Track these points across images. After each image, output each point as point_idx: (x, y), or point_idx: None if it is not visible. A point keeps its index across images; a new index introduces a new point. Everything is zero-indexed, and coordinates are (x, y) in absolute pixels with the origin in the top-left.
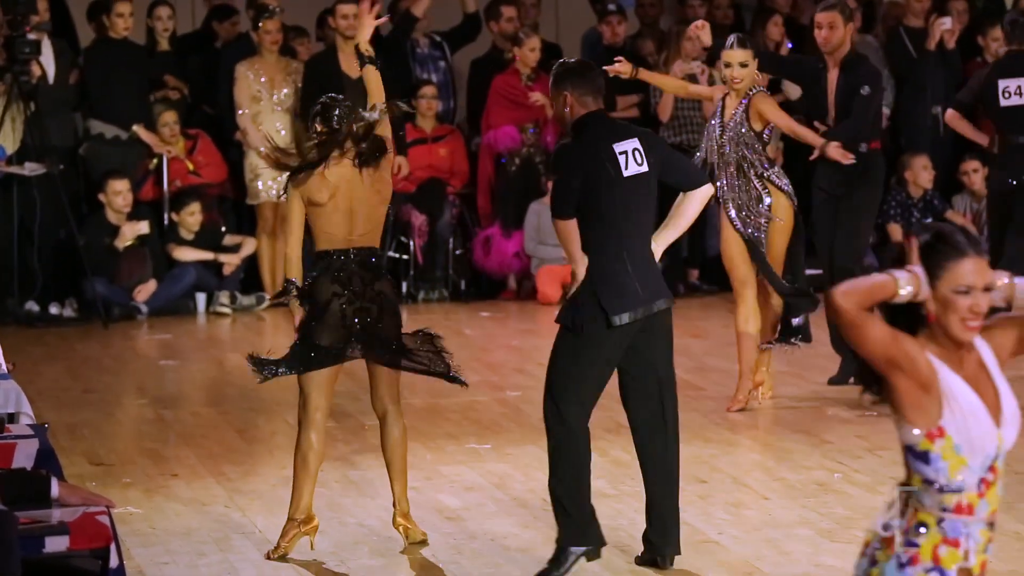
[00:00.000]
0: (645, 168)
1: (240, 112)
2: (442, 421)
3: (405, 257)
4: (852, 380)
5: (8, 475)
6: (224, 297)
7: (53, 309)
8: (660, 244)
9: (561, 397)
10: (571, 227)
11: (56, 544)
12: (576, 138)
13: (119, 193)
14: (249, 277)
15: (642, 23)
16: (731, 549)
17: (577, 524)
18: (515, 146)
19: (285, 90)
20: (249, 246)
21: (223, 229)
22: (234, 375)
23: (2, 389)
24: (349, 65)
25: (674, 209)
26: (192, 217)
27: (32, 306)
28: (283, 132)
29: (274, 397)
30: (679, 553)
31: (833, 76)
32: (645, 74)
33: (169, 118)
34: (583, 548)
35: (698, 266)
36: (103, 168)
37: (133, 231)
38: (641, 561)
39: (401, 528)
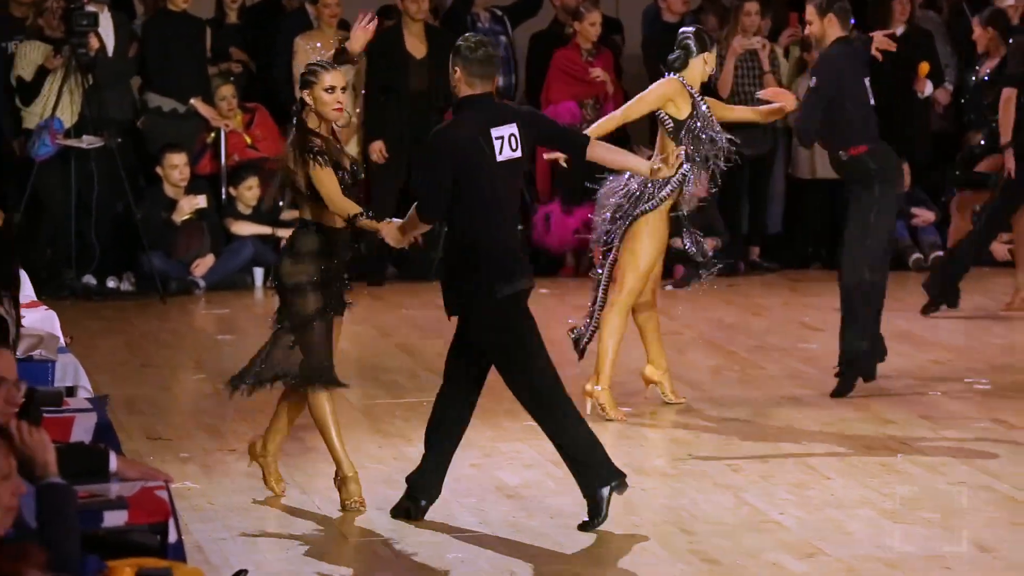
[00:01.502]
0: (519, 154)
1: (299, 86)
2: (501, 398)
3: None
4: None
5: (66, 449)
6: None
7: (111, 283)
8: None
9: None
10: (425, 227)
11: (114, 519)
12: (454, 120)
13: (176, 167)
14: None
15: None
16: (793, 529)
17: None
18: (575, 122)
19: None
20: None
21: (280, 203)
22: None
23: (60, 363)
24: (414, 45)
25: (607, 155)
26: (250, 191)
27: (90, 280)
28: None
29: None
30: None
31: None
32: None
33: (227, 91)
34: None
35: (759, 244)
36: (161, 141)
37: (191, 205)
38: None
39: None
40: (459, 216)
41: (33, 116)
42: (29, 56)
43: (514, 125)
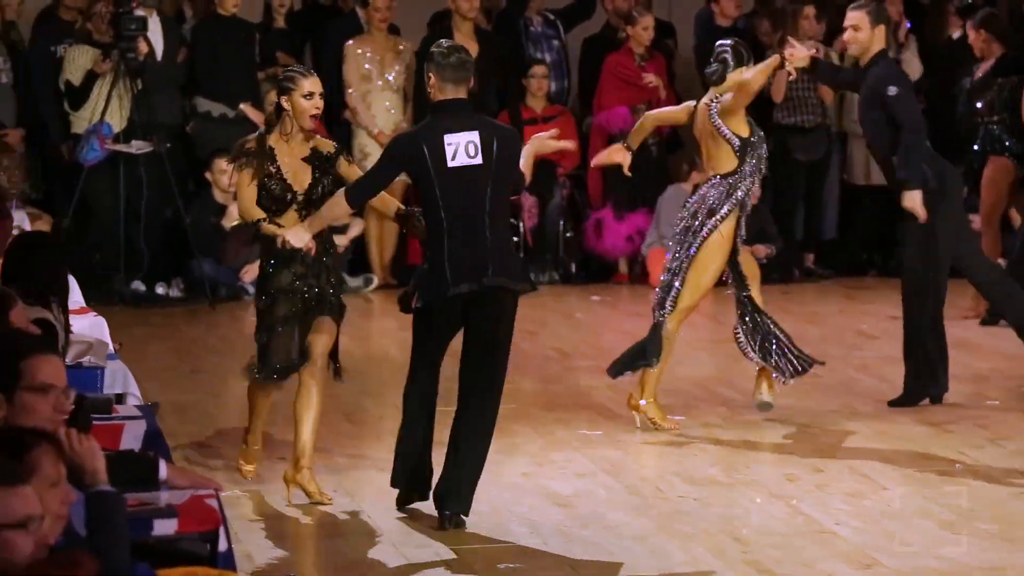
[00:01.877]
0: (479, 161)
1: (349, 91)
2: (553, 406)
3: (515, 239)
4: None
5: (116, 457)
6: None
7: (159, 289)
8: None
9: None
10: (341, 212)
11: (164, 527)
12: (419, 125)
13: (226, 172)
14: (357, 259)
15: (757, 1)
16: (849, 540)
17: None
18: (627, 127)
19: (397, 67)
20: (357, 227)
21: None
22: (342, 357)
23: (110, 369)
24: (464, 45)
25: None
26: None
27: (138, 286)
28: (393, 111)
29: (382, 379)
30: (465, 513)
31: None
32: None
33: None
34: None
35: (814, 250)
36: (210, 147)
37: None
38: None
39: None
40: (425, 216)
41: (82, 121)
42: (78, 61)
43: (475, 133)
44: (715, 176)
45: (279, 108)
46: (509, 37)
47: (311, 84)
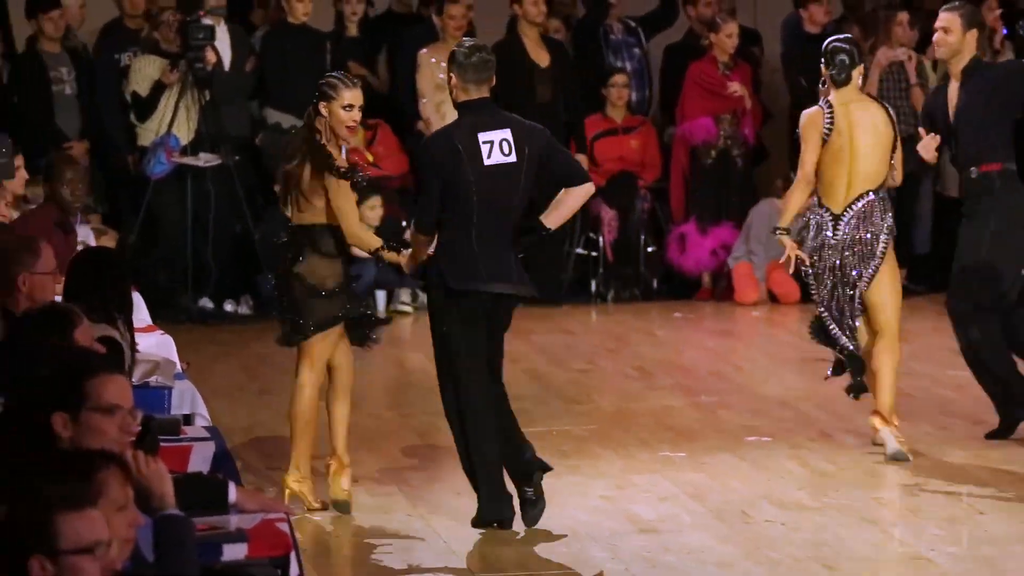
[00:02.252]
0: (513, 159)
1: (423, 101)
2: (633, 427)
3: (594, 254)
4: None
5: (184, 480)
6: (405, 295)
7: (228, 306)
8: (550, 225)
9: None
10: (426, 242)
11: (234, 552)
12: (444, 127)
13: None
14: None
15: (845, 7)
16: (944, 567)
17: None
18: (711, 138)
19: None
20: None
21: (404, 223)
22: (416, 376)
23: (177, 389)
24: (536, 54)
25: (555, 201)
26: (373, 211)
27: (206, 303)
28: None
29: None
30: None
31: (953, 89)
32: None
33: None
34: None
35: (906, 265)
36: (280, 159)
37: None
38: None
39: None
40: (445, 219)
41: (148, 133)
42: (145, 71)
43: (507, 131)
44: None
45: (316, 111)
46: (589, 45)
47: (352, 96)
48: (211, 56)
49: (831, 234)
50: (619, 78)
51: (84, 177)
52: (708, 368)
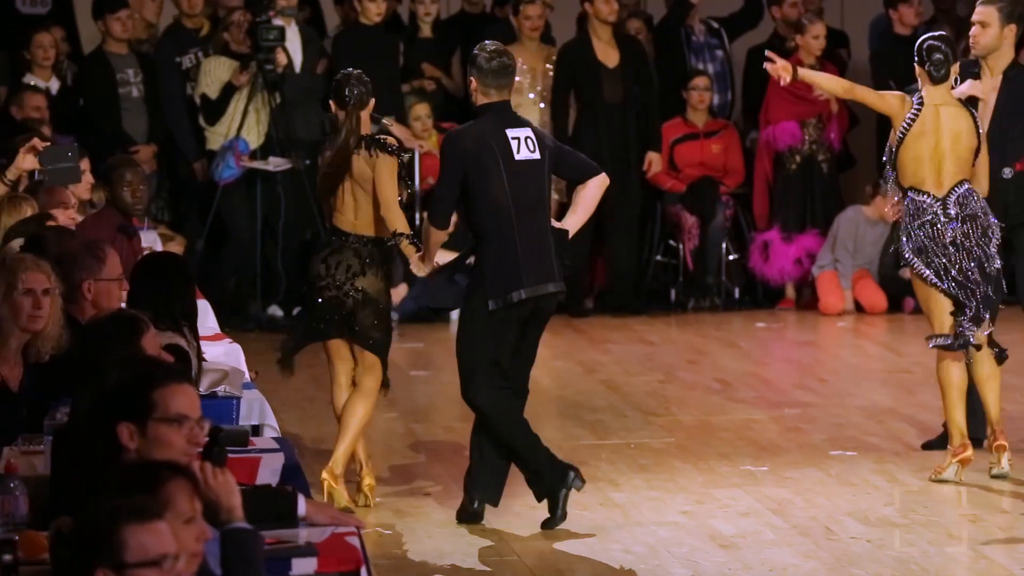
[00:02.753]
0: (537, 156)
1: None
2: (714, 440)
3: (674, 262)
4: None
5: (252, 492)
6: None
7: (298, 314)
8: (570, 228)
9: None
10: (440, 237)
11: (304, 566)
12: (468, 123)
13: None
14: None
15: (936, 8)
16: None
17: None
18: (796, 143)
19: (547, 80)
20: None
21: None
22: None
23: (246, 399)
24: (605, 53)
25: (575, 197)
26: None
27: (275, 311)
28: (544, 125)
29: (533, 412)
30: (494, 504)
31: (989, 86)
32: (805, 73)
33: (422, 111)
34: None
35: None
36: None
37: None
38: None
39: (325, 484)
40: (475, 216)
41: (217, 137)
42: (214, 72)
43: (528, 129)
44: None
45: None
46: (670, 47)
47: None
48: (281, 58)
49: (940, 213)
50: (700, 81)
51: (145, 179)
52: (792, 380)
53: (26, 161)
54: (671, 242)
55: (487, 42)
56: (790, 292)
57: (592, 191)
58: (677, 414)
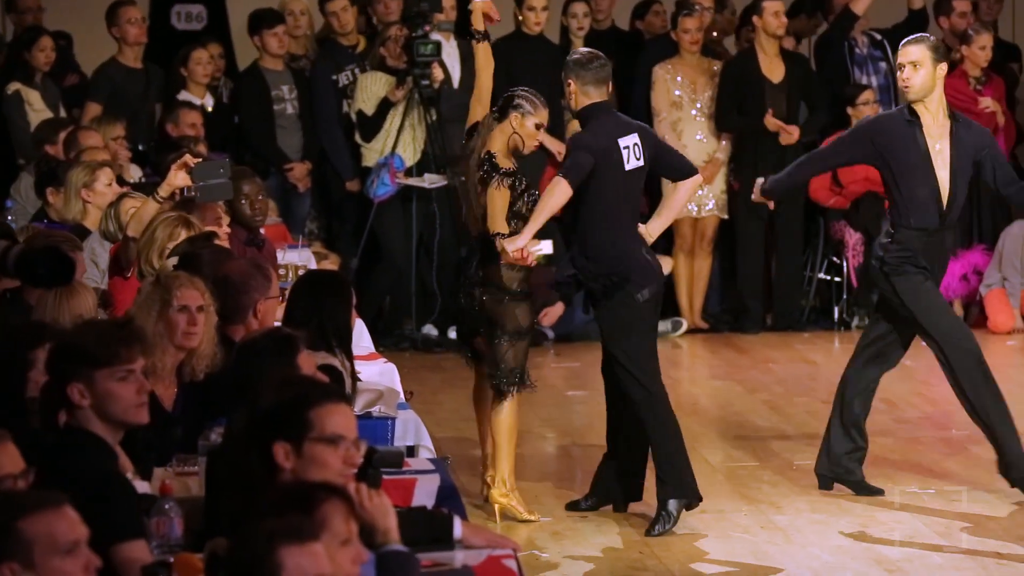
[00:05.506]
0: (642, 163)
1: (658, 118)
2: (878, 462)
3: (838, 280)
4: None
5: (408, 514)
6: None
7: (453, 333)
8: (654, 232)
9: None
10: (562, 199)
11: None
12: (590, 128)
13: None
14: (665, 301)
15: None
16: None
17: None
18: None
19: (708, 94)
20: (666, 265)
21: None
22: None
23: (400, 420)
24: (770, 68)
25: (665, 198)
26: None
27: (430, 330)
28: (705, 141)
29: (692, 432)
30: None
31: (934, 132)
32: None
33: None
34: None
35: None
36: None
37: (536, 251)
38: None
39: (497, 507)
40: (587, 223)
41: (373, 153)
42: (371, 88)
43: (636, 135)
44: None
45: (502, 113)
46: (833, 60)
47: (542, 116)
48: (438, 73)
49: None
50: (867, 95)
51: (263, 189)
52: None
53: (178, 178)
54: (834, 259)
55: (584, 48)
56: (957, 309)
57: (682, 196)
58: None
